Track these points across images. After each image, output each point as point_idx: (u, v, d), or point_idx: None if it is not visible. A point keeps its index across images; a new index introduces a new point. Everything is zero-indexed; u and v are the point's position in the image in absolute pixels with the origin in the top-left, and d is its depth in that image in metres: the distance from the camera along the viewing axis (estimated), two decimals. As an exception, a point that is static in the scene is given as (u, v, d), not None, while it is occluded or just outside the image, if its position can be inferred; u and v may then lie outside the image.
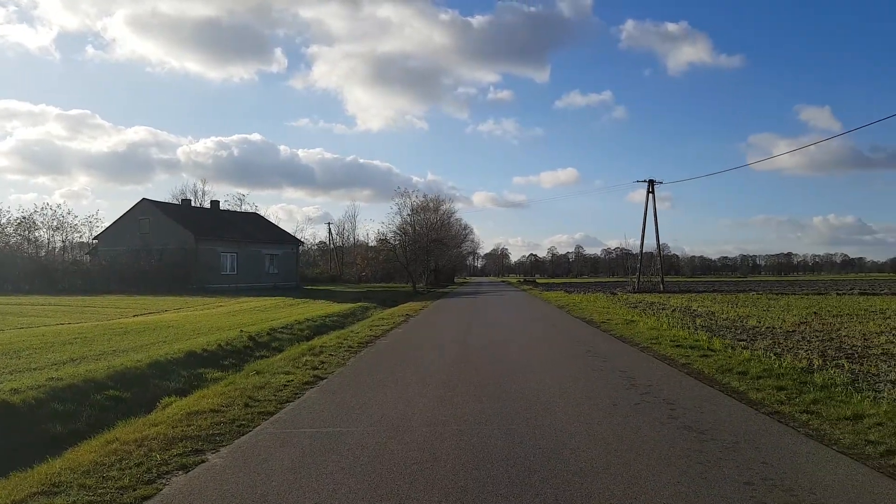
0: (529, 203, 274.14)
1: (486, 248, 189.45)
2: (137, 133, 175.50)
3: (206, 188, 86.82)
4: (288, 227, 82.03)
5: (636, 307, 29.20)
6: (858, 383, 9.82)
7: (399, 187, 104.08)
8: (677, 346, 14.27)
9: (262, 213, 75.89)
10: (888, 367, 11.32)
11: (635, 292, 48.73)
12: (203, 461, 6.34)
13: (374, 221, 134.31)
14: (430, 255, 63.00)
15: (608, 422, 7.58)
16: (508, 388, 9.72)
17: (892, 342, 14.65)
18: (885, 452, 6.17)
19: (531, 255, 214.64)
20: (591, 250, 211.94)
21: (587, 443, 6.69)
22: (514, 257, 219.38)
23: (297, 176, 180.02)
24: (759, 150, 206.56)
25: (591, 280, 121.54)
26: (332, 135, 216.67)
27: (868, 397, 8.65)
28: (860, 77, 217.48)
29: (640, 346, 14.78)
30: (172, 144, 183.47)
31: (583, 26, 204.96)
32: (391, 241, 60.67)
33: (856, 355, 12.86)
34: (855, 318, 22.13)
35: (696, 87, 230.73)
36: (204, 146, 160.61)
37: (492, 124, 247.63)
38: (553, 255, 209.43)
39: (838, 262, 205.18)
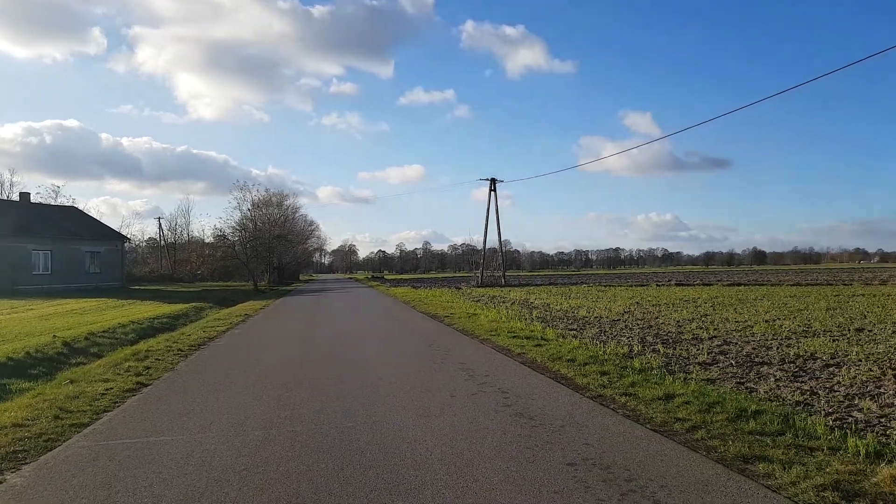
0: (376, 199, 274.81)
1: (333, 244, 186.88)
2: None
3: (13, 179, 77.48)
4: (112, 223, 75.71)
5: (479, 301, 30.20)
6: (671, 366, 10.81)
7: (238, 180, 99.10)
8: (514, 336, 14.90)
9: (81, 206, 68.47)
10: (697, 350, 12.57)
11: (479, 287, 50.45)
12: (1, 482, 5.59)
13: (211, 216, 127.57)
14: (272, 252, 60.90)
15: (446, 413, 7.69)
16: (349, 386, 9.58)
17: (702, 328, 16.33)
18: (690, 428, 6.80)
19: (380, 251, 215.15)
20: (439, 246, 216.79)
21: (425, 435, 6.73)
22: (363, 254, 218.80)
23: (122, 167, 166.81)
24: (589, 152, 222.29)
25: (439, 276, 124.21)
26: (160, 123, 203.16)
27: (679, 378, 9.53)
28: (677, 86, 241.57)
29: (480, 339, 15.25)
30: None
31: (425, 24, 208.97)
32: (230, 238, 57.70)
33: (670, 340, 14.17)
34: (671, 306, 24.45)
35: (534, 89, 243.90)
36: (11, 132, 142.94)
37: (336, 118, 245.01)
38: (401, 251, 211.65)
39: (659, 256, 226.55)
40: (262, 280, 59.86)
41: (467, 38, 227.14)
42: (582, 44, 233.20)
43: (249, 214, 60.74)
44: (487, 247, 59.37)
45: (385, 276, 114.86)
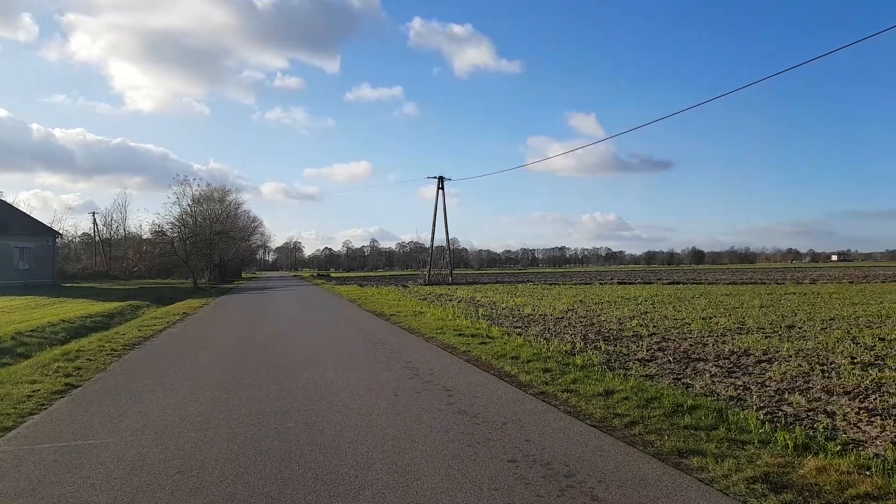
0: (322, 195, 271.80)
1: (277, 241, 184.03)
2: None
3: (-65, 170, 73.17)
4: (43, 217, 72.32)
5: (426, 299, 30.18)
6: (612, 363, 11.02)
7: (178, 175, 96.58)
8: (460, 334, 14.93)
9: (9, 200, 65.48)
10: (637, 347, 12.86)
11: (426, 285, 50.43)
12: None
13: (149, 212, 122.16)
14: (213, 249, 59.40)
15: (389, 412, 7.63)
16: (290, 386, 9.40)
17: (642, 325, 16.71)
18: (628, 423, 6.92)
19: (326, 248, 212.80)
20: (387, 244, 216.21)
21: (367, 435, 6.65)
22: (308, 251, 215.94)
23: (54, 159, 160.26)
24: (536, 152, 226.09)
25: (386, 273, 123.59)
26: (94, 114, 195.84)
27: (619, 375, 9.71)
28: (620, 87, 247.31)
29: (425, 337, 15.21)
30: None
31: (372, 19, 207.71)
32: (168, 234, 55.95)
33: (612, 338, 14.45)
34: (613, 304, 24.96)
35: (482, 88, 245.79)
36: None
37: (280, 112, 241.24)
38: (348, 248, 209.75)
39: (603, 255, 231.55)
40: (203, 278, 58.37)
41: (415, 35, 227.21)
42: (528, 44, 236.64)
43: (189, 210, 59.09)
44: (435, 245, 59.40)
45: (331, 274, 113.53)
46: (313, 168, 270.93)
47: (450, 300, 29.27)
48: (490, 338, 14.25)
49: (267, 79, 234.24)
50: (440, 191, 53.85)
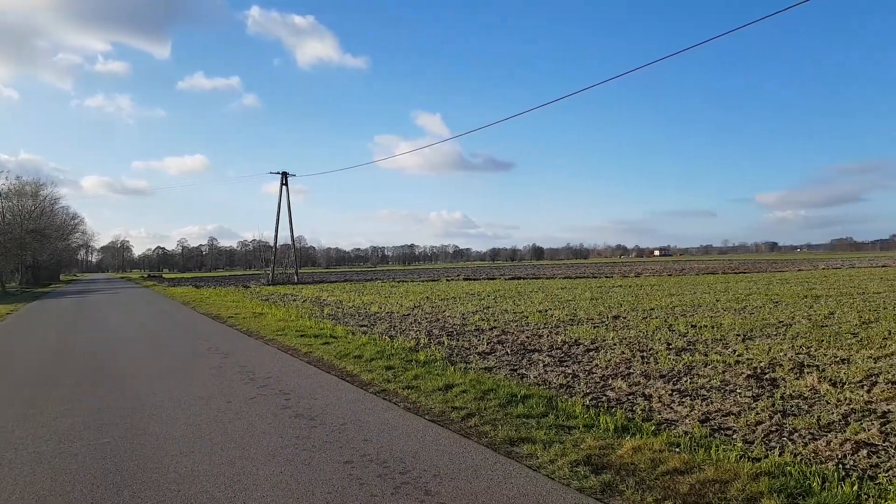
0: (153, 191, 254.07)
1: (102, 240, 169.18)
2: None
3: None
4: None
5: (268, 300, 29.08)
6: (454, 357, 11.21)
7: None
8: (302, 335, 14.49)
9: None
10: (478, 340, 13.21)
11: (269, 285, 48.68)
12: None
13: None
14: (25, 249, 53.17)
15: (219, 420, 7.18)
16: (110, 399, 8.56)
17: (484, 320, 17.23)
18: (465, 416, 7.04)
19: (158, 248, 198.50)
20: (227, 243, 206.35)
21: (193, 446, 6.19)
22: (139, 251, 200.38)
23: None
24: (384, 150, 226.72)
25: (226, 274, 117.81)
26: None
27: (460, 368, 9.90)
28: (465, 88, 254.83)
29: (265, 339, 14.60)
30: None
31: (206, 4, 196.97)
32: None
33: (455, 333, 14.73)
34: (458, 300, 25.57)
35: (327, 82, 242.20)
36: None
37: (103, 100, 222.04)
38: (184, 248, 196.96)
39: (451, 252, 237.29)
40: (13, 281, 52.08)
41: (253, 24, 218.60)
42: (373, 40, 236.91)
43: (-4, 206, 52.45)
44: (280, 243, 57.51)
45: (164, 275, 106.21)
46: (142, 161, 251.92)
47: (294, 300, 28.44)
48: (334, 337, 13.97)
49: (86, 62, 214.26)
50: (284, 187, 52.14)
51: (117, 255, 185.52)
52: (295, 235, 56.28)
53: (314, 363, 11.02)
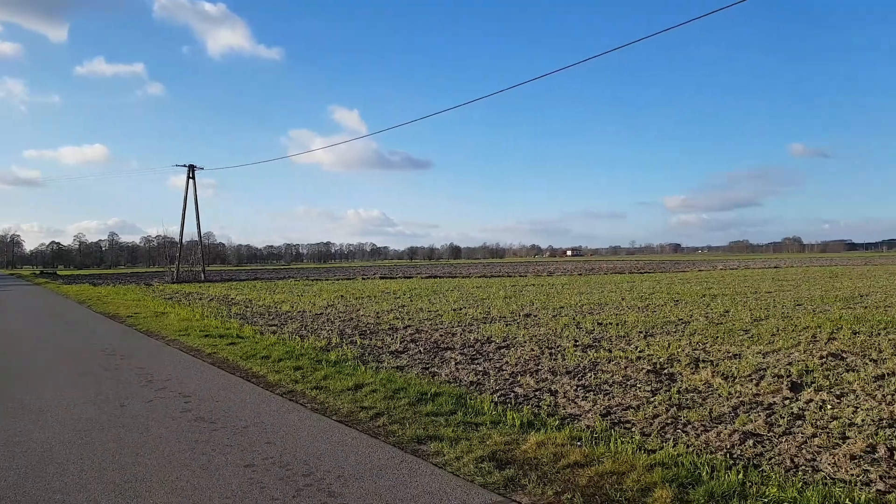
0: (47, 182, 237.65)
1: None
2: None
3: None
4: None
5: (171, 299, 27.84)
6: (366, 356, 11.08)
7: None
8: (207, 335, 13.95)
9: None
10: (392, 339, 13.12)
11: (174, 283, 46.68)
12: None
13: None
14: None
15: (113, 425, 6.78)
16: (-13, 403, 7.91)
17: (398, 318, 17.15)
18: (374, 415, 6.95)
19: (53, 242, 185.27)
20: (130, 238, 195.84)
21: (81, 453, 5.81)
22: (30, 246, 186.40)
23: None
24: (299, 145, 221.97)
25: (128, 271, 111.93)
26: None
27: (371, 368, 9.79)
28: (384, 86, 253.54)
29: (167, 340, 13.95)
30: None
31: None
32: None
33: (368, 332, 14.59)
34: (373, 298, 25.37)
35: (240, 74, 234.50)
36: None
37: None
38: (81, 243, 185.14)
39: (368, 250, 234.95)
40: None
41: (160, 9, 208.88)
42: (287, 32, 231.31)
43: None
44: (187, 239, 55.23)
45: (58, 272, 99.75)
46: (35, 149, 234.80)
47: (200, 299, 27.37)
48: (241, 338, 13.53)
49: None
50: (191, 180, 50.02)
51: (5, 251, 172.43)
52: (203, 231, 54.25)
53: (218, 364, 10.62)
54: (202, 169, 50.97)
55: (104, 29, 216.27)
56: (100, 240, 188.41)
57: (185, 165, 50.14)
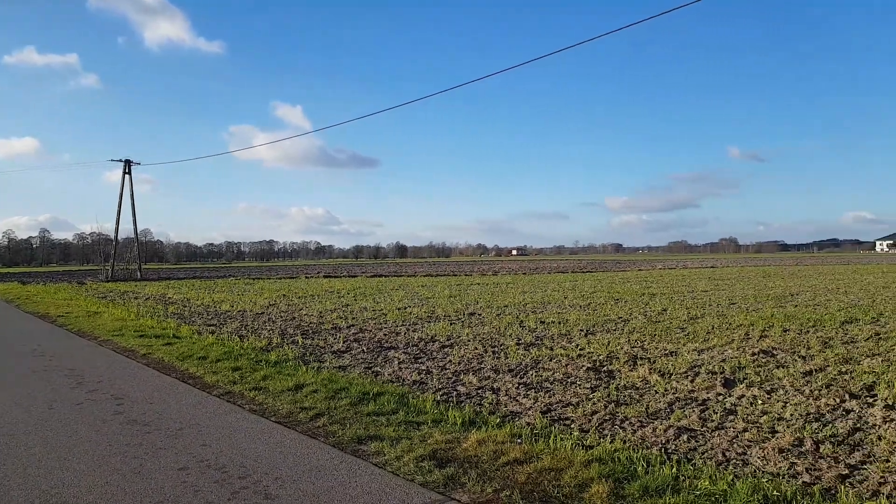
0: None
1: None
2: None
3: None
4: None
5: (105, 297, 26.84)
6: (308, 356, 10.93)
7: None
8: (142, 336, 13.51)
9: None
10: (335, 339, 12.98)
11: (109, 281, 45.02)
12: None
13: None
14: None
15: (39, 428, 6.49)
16: None
17: (342, 318, 16.98)
18: (314, 416, 6.87)
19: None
20: (62, 235, 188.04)
21: (4, 456, 5.58)
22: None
23: None
24: (240, 140, 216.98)
25: (60, 269, 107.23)
26: None
27: (313, 368, 9.66)
28: (328, 82, 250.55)
29: (99, 340, 13.44)
30: None
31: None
32: None
33: (310, 331, 14.39)
34: (316, 298, 25.04)
35: (178, 67, 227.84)
36: None
37: None
38: (10, 240, 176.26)
39: (312, 249, 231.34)
40: None
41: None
42: (228, 25, 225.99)
43: None
44: (123, 237, 53.27)
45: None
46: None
47: (135, 298, 26.47)
48: (177, 338, 13.15)
49: None
50: (126, 175, 48.31)
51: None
52: (140, 228, 52.54)
53: (153, 365, 10.30)
54: (139, 164, 49.35)
55: (35, 17, 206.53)
56: (30, 236, 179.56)
57: (120, 160, 48.43)
